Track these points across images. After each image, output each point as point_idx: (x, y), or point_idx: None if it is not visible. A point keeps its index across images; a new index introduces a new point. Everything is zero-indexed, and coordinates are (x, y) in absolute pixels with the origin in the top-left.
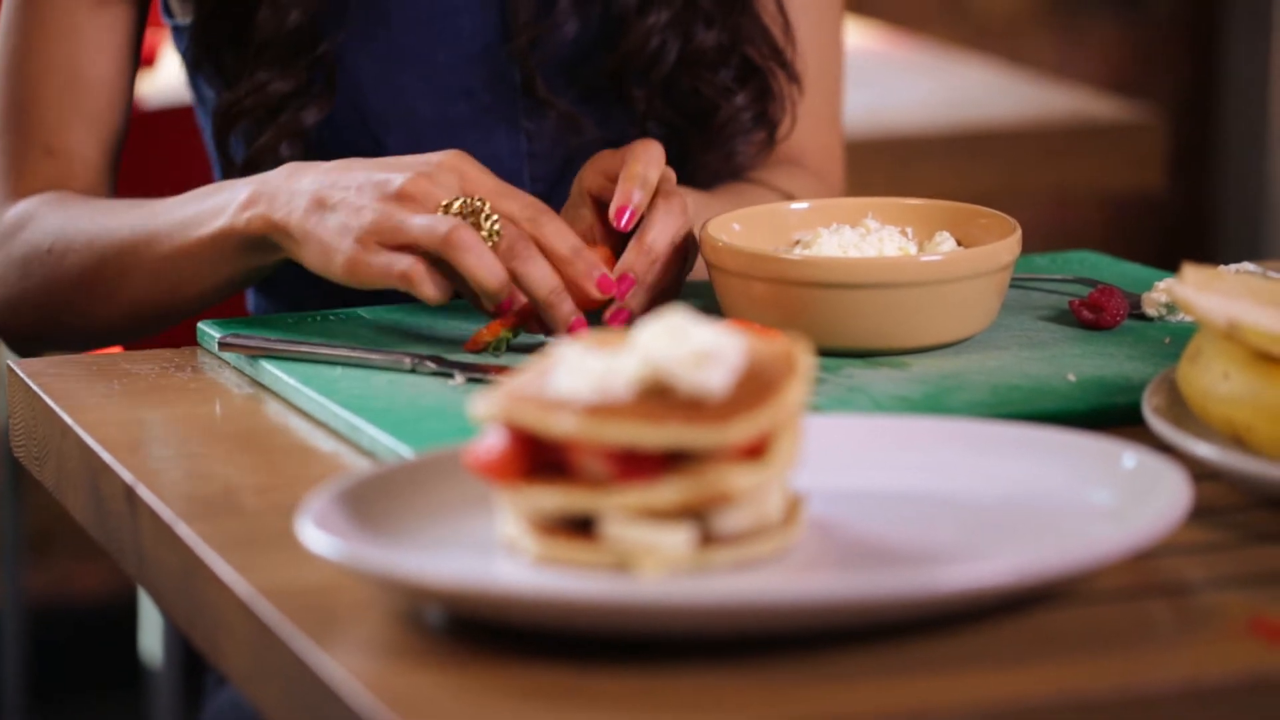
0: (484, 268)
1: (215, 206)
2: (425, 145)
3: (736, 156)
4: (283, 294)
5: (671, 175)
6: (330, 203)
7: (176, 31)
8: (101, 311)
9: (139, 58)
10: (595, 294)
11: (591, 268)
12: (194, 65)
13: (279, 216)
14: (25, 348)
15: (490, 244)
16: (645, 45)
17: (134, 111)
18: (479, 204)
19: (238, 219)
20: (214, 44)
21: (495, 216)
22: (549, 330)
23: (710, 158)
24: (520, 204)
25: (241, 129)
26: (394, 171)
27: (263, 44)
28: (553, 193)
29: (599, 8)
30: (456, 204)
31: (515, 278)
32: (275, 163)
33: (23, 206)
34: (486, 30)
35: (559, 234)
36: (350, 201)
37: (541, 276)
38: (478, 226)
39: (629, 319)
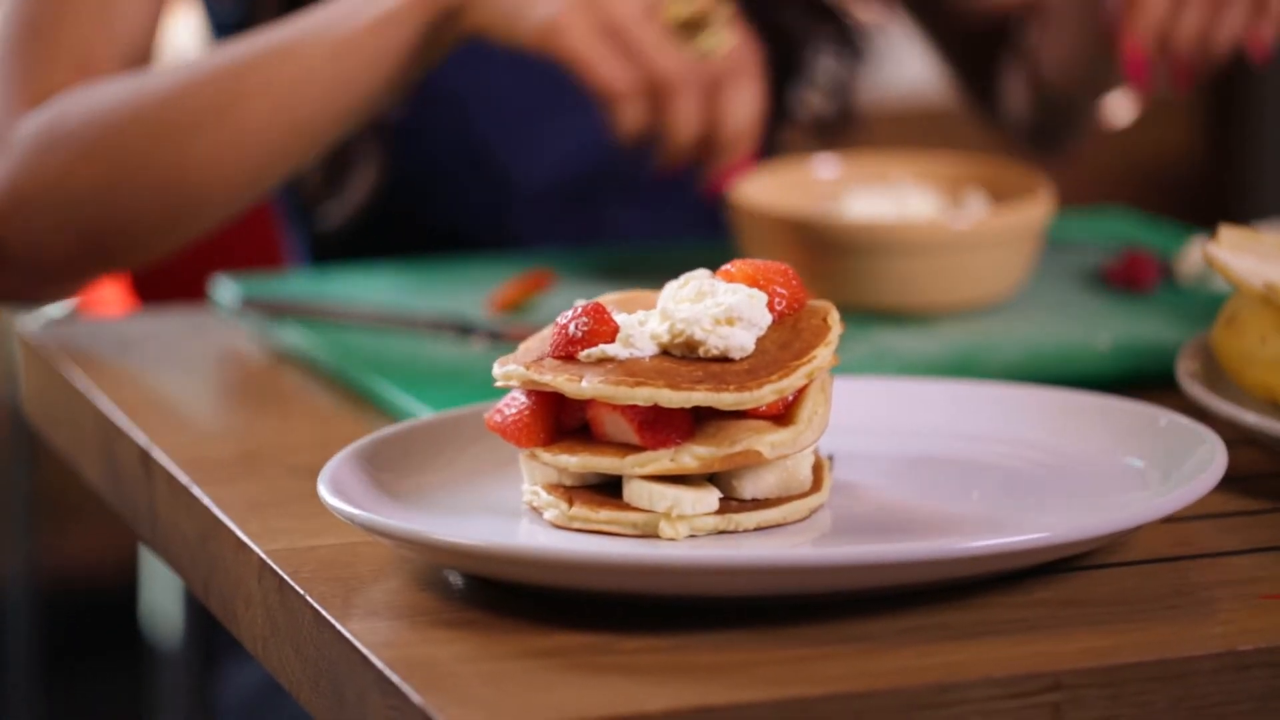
0: (685, 124)
1: None
2: (509, 127)
3: (826, 90)
4: None
5: None
6: None
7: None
8: (194, 164)
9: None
10: (711, 180)
11: (735, 161)
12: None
13: None
14: (60, 279)
15: (703, 55)
16: None
17: None
18: (711, 10)
19: None
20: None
21: (720, 32)
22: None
23: (799, 94)
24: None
25: None
26: None
27: None
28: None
29: None
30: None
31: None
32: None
33: (46, 108)
34: None
35: (743, 103)
36: None
37: (741, 113)
38: (698, 31)
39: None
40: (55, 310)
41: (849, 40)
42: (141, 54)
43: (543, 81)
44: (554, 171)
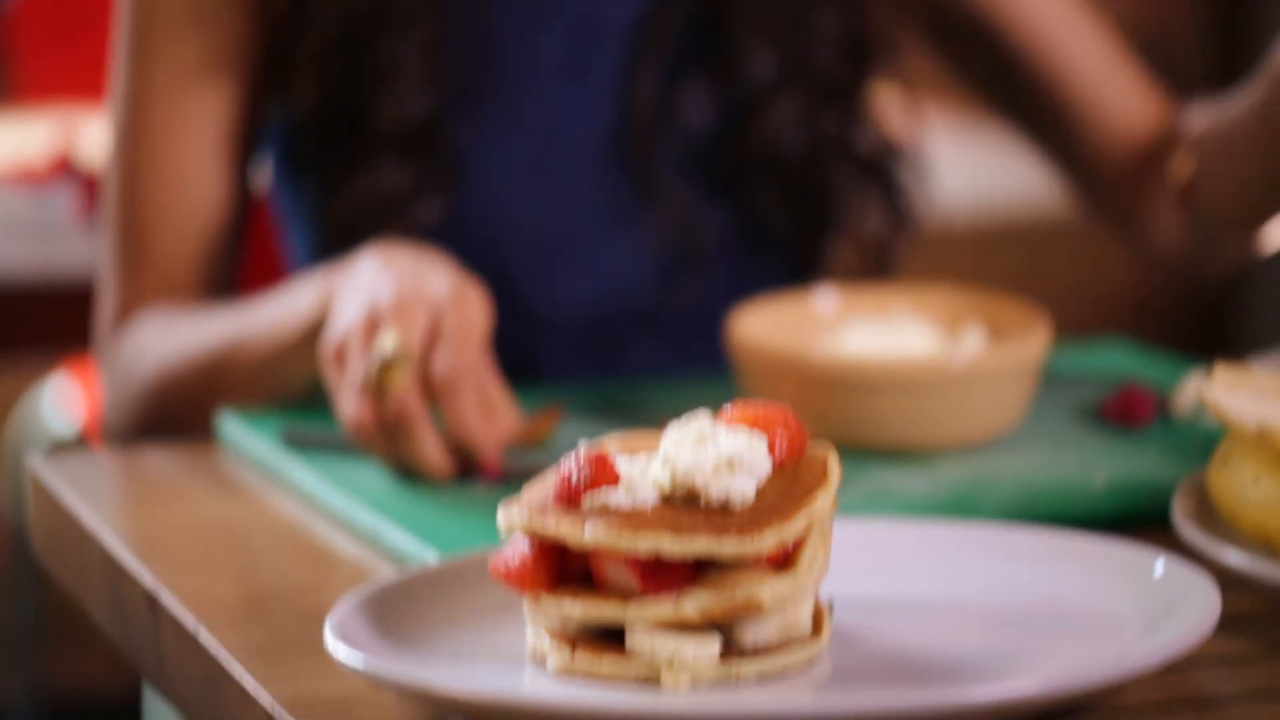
0: (423, 453)
1: (301, 303)
2: (540, 254)
3: (868, 247)
4: None
5: None
6: (337, 311)
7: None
8: (212, 405)
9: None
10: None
11: (493, 449)
12: (294, 161)
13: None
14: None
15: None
16: (772, 139)
17: None
18: (401, 354)
19: (311, 313)
20: (324, 133)
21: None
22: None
23: (839, 250)
24: (456, 361)
25: (353, 230)
26: (387, 288)
27: (382, 134)
28: (673, 300)
29: (724, 99)
30: (389, 344)
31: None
32: None
33: (133, 337)
34: (608, 134)
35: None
36: (342, 314)
37: (464, 421)
38: (390, 374)
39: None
40: (61, 435)
41: (895, 203)
42: (218, 243)
43: (570, 215)
44: (578, 307)
